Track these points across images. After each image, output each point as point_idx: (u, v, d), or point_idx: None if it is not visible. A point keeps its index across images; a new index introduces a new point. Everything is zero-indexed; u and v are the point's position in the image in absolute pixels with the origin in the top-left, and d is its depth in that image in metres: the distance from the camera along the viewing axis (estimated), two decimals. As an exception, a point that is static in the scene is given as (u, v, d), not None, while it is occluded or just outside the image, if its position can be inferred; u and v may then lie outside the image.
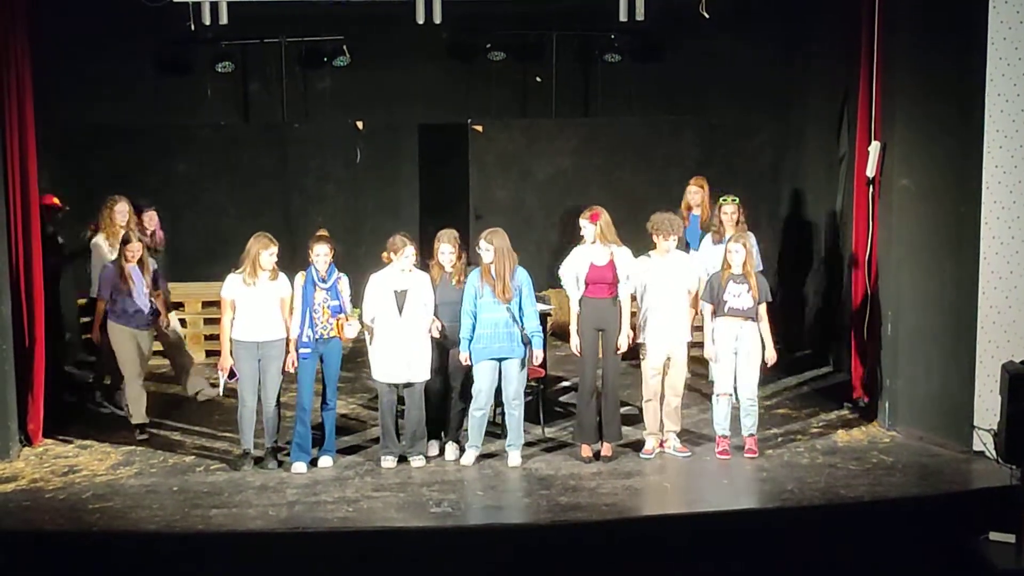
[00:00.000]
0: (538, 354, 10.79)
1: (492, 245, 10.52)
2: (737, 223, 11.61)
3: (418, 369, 10.68)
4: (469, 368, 10.80)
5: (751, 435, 10.92)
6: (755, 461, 10.84)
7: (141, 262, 11.39)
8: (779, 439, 11.18)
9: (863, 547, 9.58)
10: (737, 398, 10.87)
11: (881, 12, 11.36)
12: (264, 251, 10.54)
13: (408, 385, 10.73)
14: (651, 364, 10.87)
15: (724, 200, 11.60)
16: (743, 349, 10.75)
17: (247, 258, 10.59)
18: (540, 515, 9.94)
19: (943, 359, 11.09)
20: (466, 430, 10.94)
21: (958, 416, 10.86)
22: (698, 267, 11.13)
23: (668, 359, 10.85)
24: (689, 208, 12.48)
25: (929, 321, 11.17)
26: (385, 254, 10.78)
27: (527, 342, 10.68)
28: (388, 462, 10.79)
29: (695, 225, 12.28)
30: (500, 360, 10.67)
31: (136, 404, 11.36)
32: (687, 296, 10.85)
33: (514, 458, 10.81)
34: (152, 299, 11.49)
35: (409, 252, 10.62)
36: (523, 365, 10.72)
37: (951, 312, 10.98)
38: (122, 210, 12.00)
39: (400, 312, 10.64)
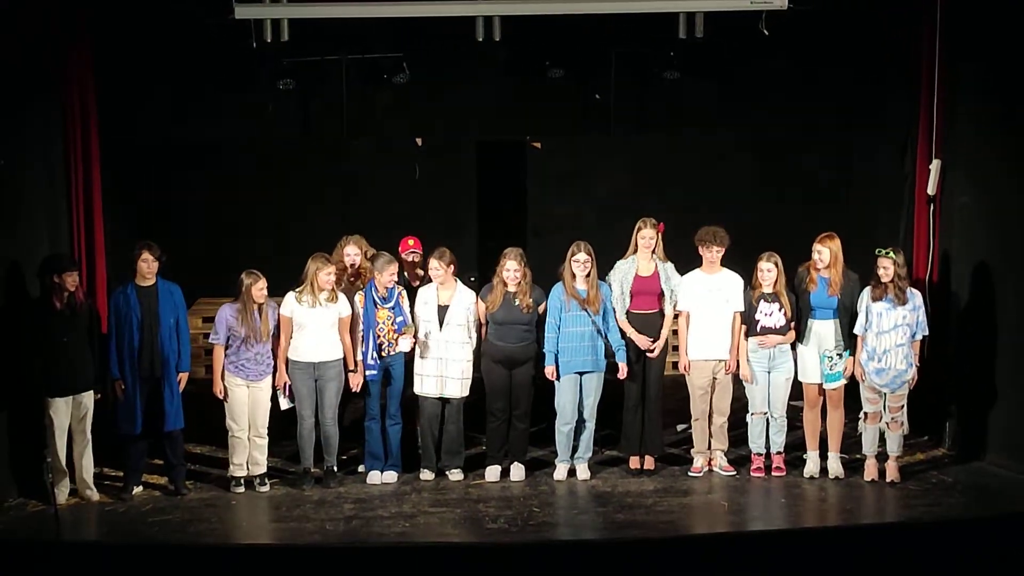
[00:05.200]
0: (623, 367, 10.81)
1: (591, 257, 10.66)
2: (894, 279, 10.44)
3: (452, 386, 10.77)
4: (533, 390, 10.93)
5: (779, 452, 10.97)
6: (815, 481, 10.83)
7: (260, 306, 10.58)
8: (840, 459, 11.03)
9: (922, 568, 9.36)
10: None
11: (943, 31, 11.35)
12: (321, 271, 10.57)
13: (446, 400, 10.80)
14: (697, 384, 10.92)
15: (880, 253, 10.50)
16: (775, 369, 10.81)
17: (305, 278, 10.63)
18: (597, 532, 10.02)
19: (1004, 378, 11.06)
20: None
21: (1020, 436, 10.84)
22: (738, 287, 10.88)
23: (715, 378, 10.90)
24: (816, 269, 10.78)
25: (990, 340, 11.13)
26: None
27: (611, 355, 10.79)
28: (426, 474, 10.93)
29: (823, 289, 10.75)
30: (581, 374, 10.76)
31: (235, 454, 10.68)
32: (733, 315, 10.85)
33: (583, 471, 10.95)
34: (273, 350, 10.67)
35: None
36: (602, 379, 10.83)
37: (1013, 331, 10.96)
38: (352, 253, 11.15)
39: (440, 327, 10.73)
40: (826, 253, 10.65)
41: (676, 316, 11.00)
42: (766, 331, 10.74)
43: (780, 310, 10.69)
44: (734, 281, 10.86)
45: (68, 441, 10.43)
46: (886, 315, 10.53)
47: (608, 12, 11.74)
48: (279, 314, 10.70)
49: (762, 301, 10.72)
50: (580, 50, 13.52)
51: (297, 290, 10.67)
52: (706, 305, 10.81)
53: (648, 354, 10.83)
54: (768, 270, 10.66)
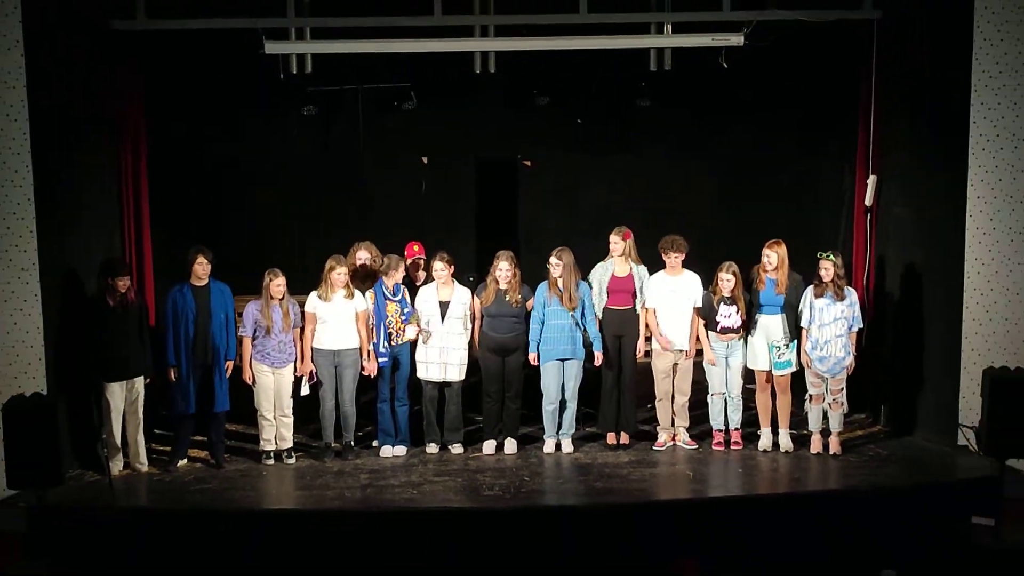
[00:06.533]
0: (599, 356, 10.94)
1: (562, 261, 10.74)
2: (833, 279, 10.60)
3: (453, 371, 10.86)
4: (524, 374, 11.00)
5: (736, 429, 11.08)
6: (768, 454, 10.90)
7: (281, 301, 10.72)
8: (789, 434, 11.12)
9: (861, 528, 9.63)
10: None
11: (878, 65, 11.44)
12: (334, 271, 10.69)
13: (447, 384, 10.91)
14: (660, 368, 11.04)
15: (821, 256, 10.65)
16: (732, 356, 10.95)
17: (323, 278, 10.76)
18: (579, 499, 10.08)
19: (931, 366, 11.15)
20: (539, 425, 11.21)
21: (945, 415, 10.92)
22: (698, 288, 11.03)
23: (676, 363, 11.02)
24: (765, 271, 10.87)
25: (920, 333, 11.22)
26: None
27: (588, 345, 10.88)
28: (431, 448, 11.01)
29: (770, 288, 10.84)
30: (563, 361, 10.85)
31: (264, 431, 10.84)
32: (692, 310, 10.97)
33: (567, 445, 11.02)
34: (294, 341, 10.79)
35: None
36: (581, 365, 10.91)
37: (939, 325, 11.05)
38: (363, 257, 11.23)
39: (442, 320, 10.84)
40: (774, 257, 10.77)
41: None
42: (725, 331, 10.89)
43: (737, 312, 10.82)
44: (694, 281, 10.98)
45: (122, 420, 10.54)
46: (827, 310, 10.64)
47: (588, 48, 11.75)
48: (303, 311, 10.80)
49: (722, 304, 10.82)
50: (564, 80, 13.48)
51: (318, 289, 10.80)
52: (669, 304, 10.94)
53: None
54: (727, 280, 10.76)
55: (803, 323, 10.74)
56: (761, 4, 11.27)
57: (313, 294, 10.81)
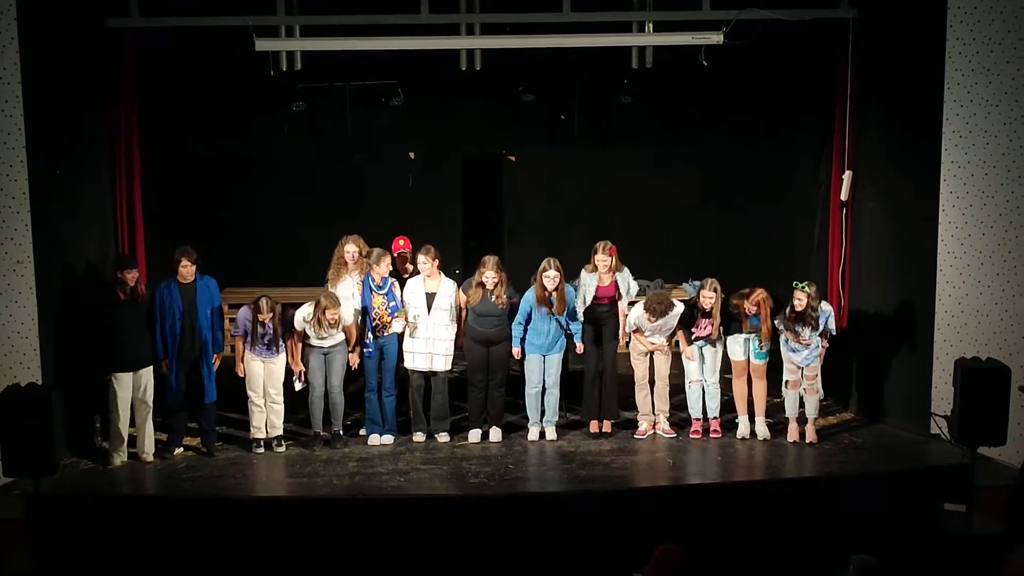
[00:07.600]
0: (580, 346, 10.98)
1: (560, 273, 10.67)
2: (806, 309, 10.49)
3: (438, 361, 10.85)
4: (508, 364, 11.02)
5: (715, 417, 11.08)
6: (746, 442, 10.91)
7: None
8: (766, 423, 11.11)
9: (836, 514, 9.65)
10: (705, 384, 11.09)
11: (853, 63, 11.45)
12: (328, 311, 10.52)
13: (433, 373, 10.89)
14: (634, 353, 11.07)
15: (797, 285, 10.54)
16: (706, 352, 10.97)
17: (315, 310, 10.56)
18: (562, 485, 10.10)
19: (905, 356, 11.17)
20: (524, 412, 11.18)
21: (918, 404, 10.96)
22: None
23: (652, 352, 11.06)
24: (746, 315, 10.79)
25: (894, 323, 11.25)
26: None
27: (569, 335, 10.93)
28: (418, 437, 11.00)
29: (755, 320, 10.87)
30: (544, 355, 10.89)
31: (253, 418, 10.82)
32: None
33: (551, 432, 11.04)
34: (283, 338, 10.71)
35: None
36: (563, 357, 10.96)
37: (913, 316, 11.07)
38: (351, 250, 11.10)
39: (429, 312, 10.82)
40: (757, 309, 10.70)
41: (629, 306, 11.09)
42: (699, 339, 10.95)
43: (712, 324, 10.85)
44: (678, 311, 10.94)
45: (131, 410, 10.53)
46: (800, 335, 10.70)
47: (571, 46, 11.74)
48: (293, 325, 10.69)
49: (700, 317, 10.87)
50: (548, 78, 13.52)
51: (307, 317, 10.64)
52: (651, 335, 10.98)
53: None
54: (708, 298, 10.73)
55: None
56: (740, 3, 11.28)
57: (300, 319, 10.67)
